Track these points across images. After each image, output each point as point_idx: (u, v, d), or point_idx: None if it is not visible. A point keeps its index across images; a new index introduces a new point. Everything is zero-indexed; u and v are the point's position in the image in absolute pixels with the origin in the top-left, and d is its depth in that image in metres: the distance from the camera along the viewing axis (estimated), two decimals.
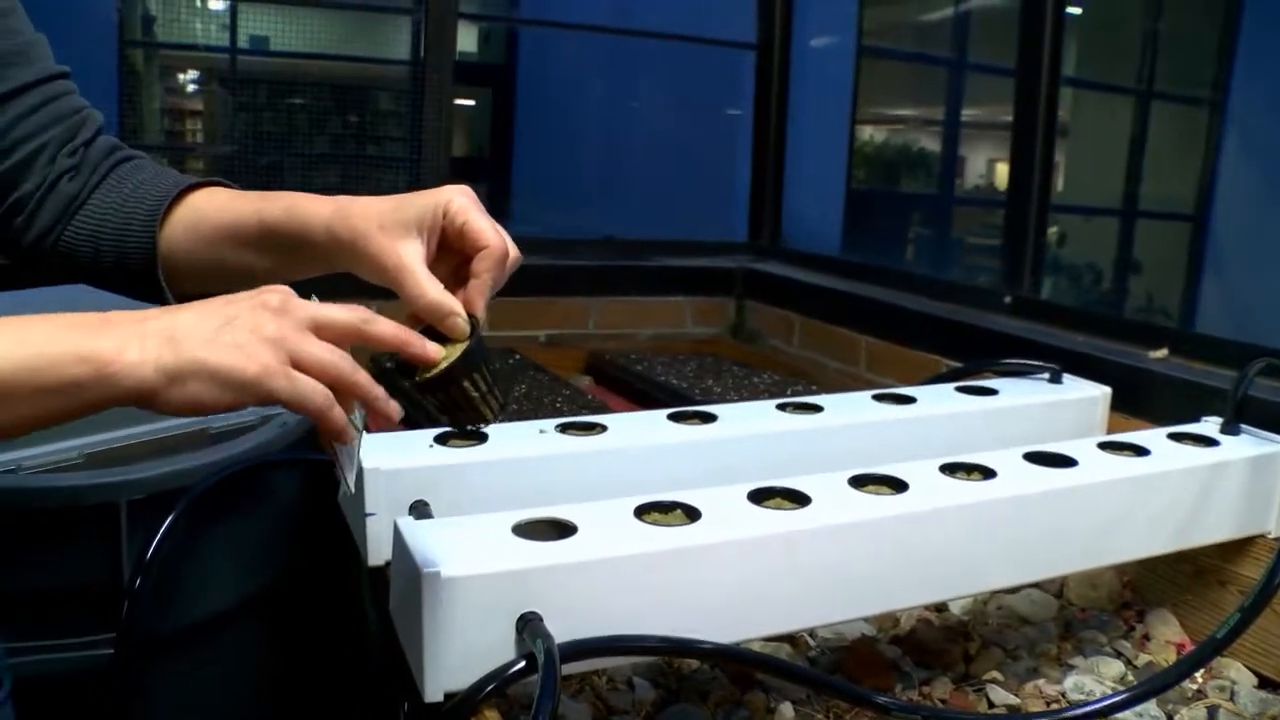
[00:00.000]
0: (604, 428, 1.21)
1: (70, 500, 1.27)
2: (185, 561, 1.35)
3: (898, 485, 1.08)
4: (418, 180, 2.41)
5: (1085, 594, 1.43)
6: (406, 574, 0.90)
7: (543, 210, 3.93)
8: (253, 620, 1.47)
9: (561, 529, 0.93)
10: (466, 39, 4.70)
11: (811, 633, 1.30)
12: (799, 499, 1.02)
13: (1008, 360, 1.60)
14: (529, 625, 0.87)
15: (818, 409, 1.34)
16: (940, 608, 1.39)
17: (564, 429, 1.20)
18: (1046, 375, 1.55)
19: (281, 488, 1.48)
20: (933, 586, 1.09)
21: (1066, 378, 1.55)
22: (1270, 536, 1.29)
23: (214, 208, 0.90)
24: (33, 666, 1.24)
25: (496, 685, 0.87)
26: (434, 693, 0.88)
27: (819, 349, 2.20)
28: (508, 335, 2.29)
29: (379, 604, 1.03)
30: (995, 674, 1.24)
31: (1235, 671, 1.25)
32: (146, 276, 0.92)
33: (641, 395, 1.97)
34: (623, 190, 3.73)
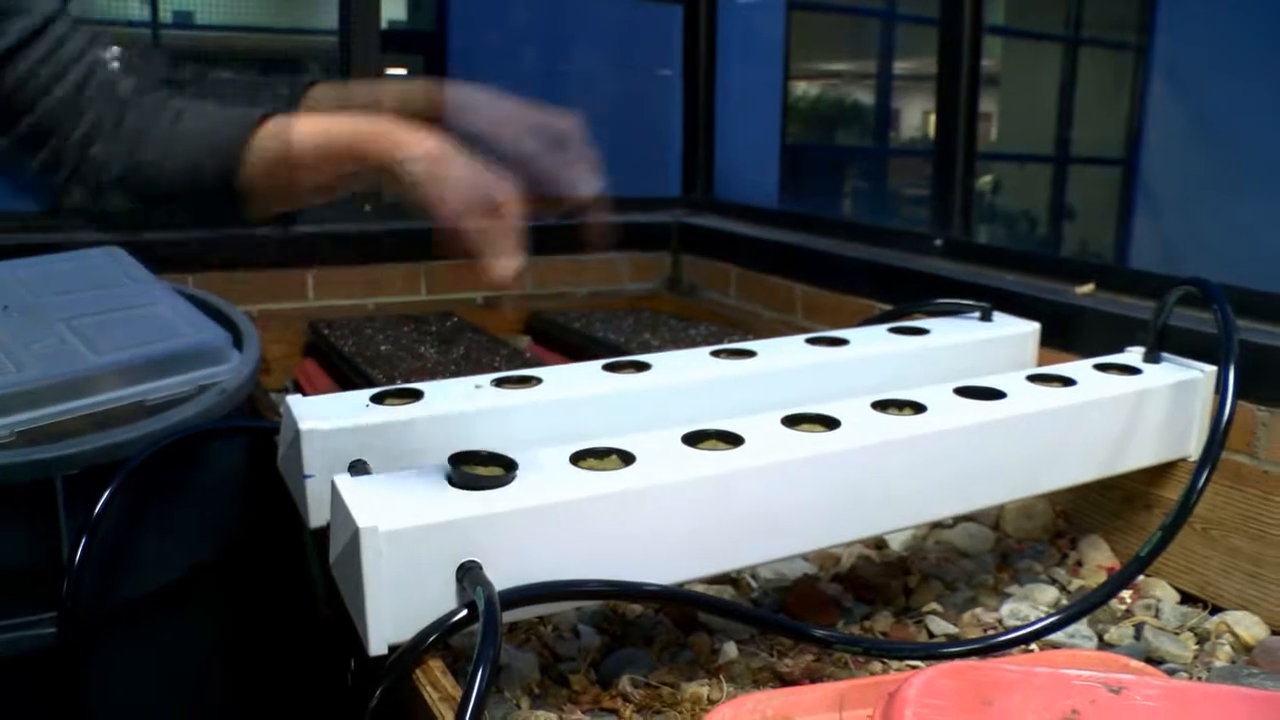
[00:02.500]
0: (539, 380, 1.22)
1: (3, 478, 1.25)
2: (128, 536, 1.34)
3: (830, 423, 1.09)
4: None
5: (1021, 525, 1.47)
6: (345, 530, 0.90)
7: None
8: (201, 592, 1.46)
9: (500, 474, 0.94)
10: (396, 7, 4.64)
11: (753, 574, 1.32)
12: (733, 440, 1.04)
13: (939, 300, 1.63)
14: (469, 574, 0.88)
15: (751, 354, 1.35)
16: (880, 544, 1.42)
17: (499, 383, 1.21)
18: (977, 314, 1.57)
19: (222, 457, 1.47)
20: (869, 521, 1.11)
21: (997, 315, 1.58)
22: (1190, 460, 1.33)
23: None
24: None
25: (438, 635, 0.88)
26: (378, 646, 0.89)
27: (755, 299, 2.21)
28: (444, 298, 2.28)
29: (323, 564, 1.04)
30: (934, 606, 1.27)
31: (1160, 590, 1.29)
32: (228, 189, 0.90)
33: (579, 351, 1.97)
34: None
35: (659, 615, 1.20)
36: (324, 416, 1.11)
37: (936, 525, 1.46)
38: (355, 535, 0.87)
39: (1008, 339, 1.53)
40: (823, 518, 1.06)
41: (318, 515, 1.09)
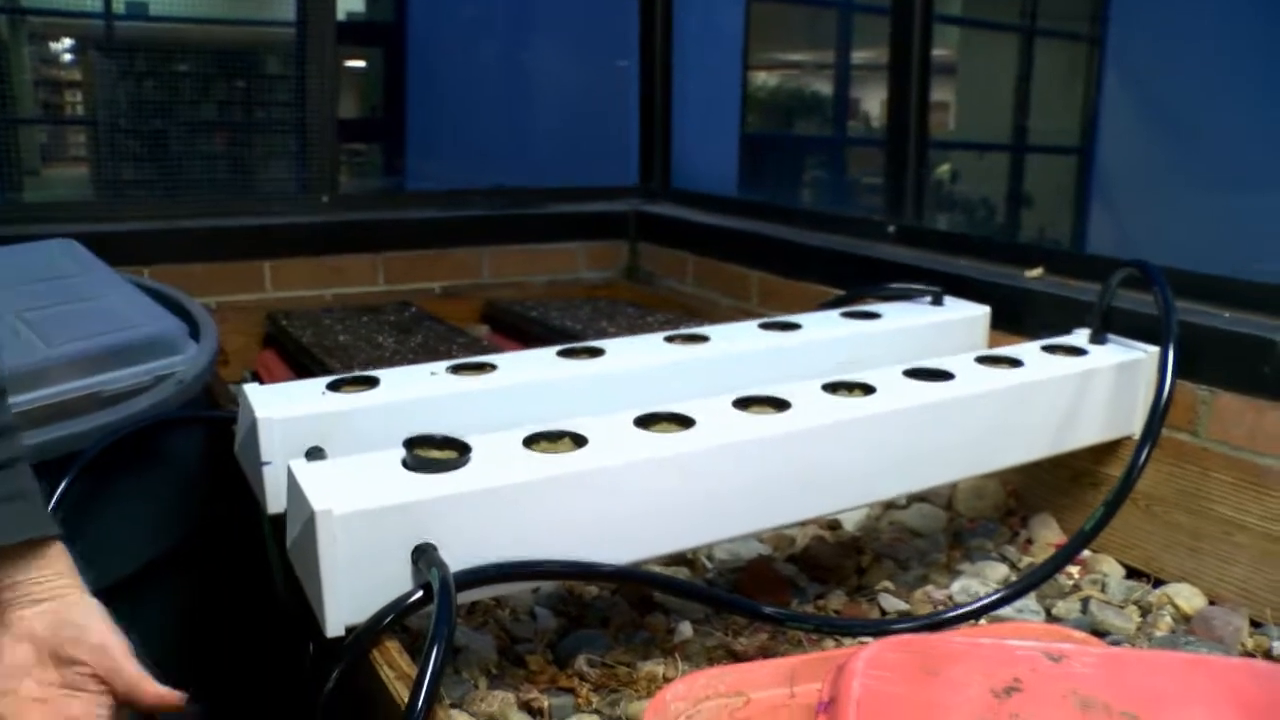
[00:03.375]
0: (494, 367, 1.23)
1: None
2: (87, 526, 1.34)
3: (781, 405, 1.11)
4: (304, 144, 2.39)
5: (972, 505, 1.49)
6: (301, 514, 0.91)
7: (438, 167, 3.90)
8: (160, 582, 1.46)
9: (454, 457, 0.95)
10: None
11: (709, 555, 1.34)
12: (684, 422, 1.05)
13: (891, 285, 1.65)
14: (424, 555, 0.89)
15: (704, 339, 1.37)
16: (833, 525, 1.44)
17: (455, 370, 1.22)
18: (929, 298, 1.60)
19: (180, 447, 1.47)
20: (820, 501, 1.13)
21: (948, 299, 1.60)
22: (1135, 438, 1.36)
23: None
24: None
25: (394, 617, 0.89)
26: (335, 628, 0.90)
27: (712, 286, 2.23)
28: (403, 289, 2.28)
29: (281, 550, 1.04)
30: (887, 584, 1.30)
31: (1107, 565, 1.32)
32: None
33: (537, 340, 1.98)
34: (518, 143, 3.72)
35: (615, 597, 1.22)
36: (280, 404, 1.12)
37: (890, 505, 1.48)
38: (311, 519, 0.88)
39: (959, 322, 1.55)
40: (774, 498, 1.08)
41: (275, 502, 1.09)
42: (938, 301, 1.59)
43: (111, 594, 1.38)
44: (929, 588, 1.28)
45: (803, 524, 1.41)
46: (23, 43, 3.28)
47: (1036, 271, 1.65)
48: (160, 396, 1.42)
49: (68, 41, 3.57)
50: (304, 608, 0.97)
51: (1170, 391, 1.22)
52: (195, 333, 1.60)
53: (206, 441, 1.52)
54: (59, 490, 1.29)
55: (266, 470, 1.11)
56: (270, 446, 1.10)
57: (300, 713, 0.95)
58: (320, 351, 1.81)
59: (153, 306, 1.59)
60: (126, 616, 1.42)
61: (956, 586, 1.28)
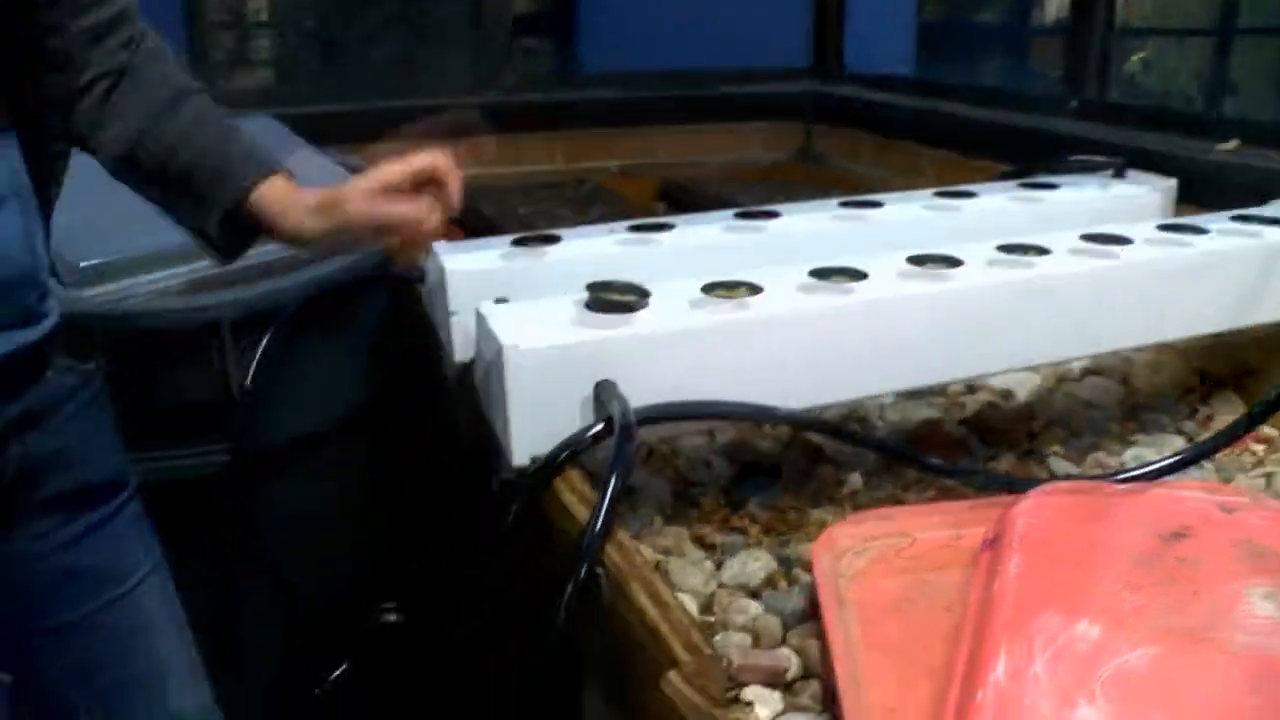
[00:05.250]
0: (672, 226, 1.27)
1: (176, 322, 1.36)
2: (290, 379, 1.44)
3: (954, 263, 1.12)
4: (480, 39, 2.45)
5: (1150, 380, 1.47)
6: (489, 351, 0.97)
7: (610, 55, 3.92)
8: (356, 431, 1.56)
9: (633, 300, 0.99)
10: None
11: (881, 416, 1.35)
12: (857, 276, 1.07)
13: (1071, 158, 1.61)
14: (605, 390, 0.94)
15: (878, 205, 1.37)
16: (1006, 394, 1.44)
17: (634, 229, 1.26)
18: (1111, 171, 1.56)
19: (371, 306, 1.56)
20: (988, 358, 1.13)
21: (1131, 173, 1.56)
22: None
23: None
24: (161, 472, 1.35)
25: (575, 448, 0.94)
26: (520, 458, 0.96)
27: (887, 166, 2.21)
28: (578, 167, 2.33)
29: (465, 398, 1.11)
30: (1057, 449, 1.29)
31: None
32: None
33: None
34: (690, 27, 3.72)
35: (787, 450, 1.25)
36: (467, 259, 1.18)
37: (1063, 378, 1.47)
38: (499, 354, 0.93)
39: (1142, 195, 1.51)
40: (943, 353, 1.09)
41: (462, 351, 1.16)
42: (1119, 174, 1.55)
43: (313, 443, 1.50)
44: (1100, 454, 1.27)
45: (974, 389, 1.42)
46: None
47: (1231, 144, 1.59)
48: (353, 258, 1.50)
49: None
50: (486, 449, 1.03)
51: None
52: None
53: (394, 302, 1.60)
54: (264, 342, 1.40)
55: (454, 320, 1.17)
56: (458, 297, 1.17)
57: (485, 539, 1.02)
58: (502, 222, 1.88)
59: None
60: (326, 458, 1.54)
61: (1129, 455, 1.26)
